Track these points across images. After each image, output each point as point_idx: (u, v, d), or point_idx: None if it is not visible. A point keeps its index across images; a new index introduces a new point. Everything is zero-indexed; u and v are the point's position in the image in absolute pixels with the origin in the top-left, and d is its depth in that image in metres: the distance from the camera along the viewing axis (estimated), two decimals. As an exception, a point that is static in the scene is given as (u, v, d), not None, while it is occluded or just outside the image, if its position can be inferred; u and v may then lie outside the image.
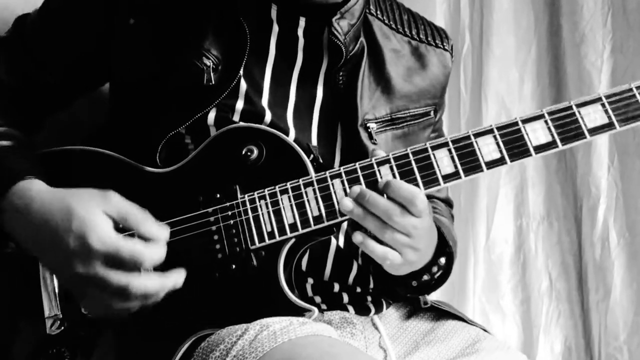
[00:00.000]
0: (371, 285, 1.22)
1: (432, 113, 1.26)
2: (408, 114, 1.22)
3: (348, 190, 1.02)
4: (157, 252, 0.95)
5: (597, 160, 2.04)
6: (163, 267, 0.97)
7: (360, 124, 1.15)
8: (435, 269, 1.13)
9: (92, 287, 0.94)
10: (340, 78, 1.16)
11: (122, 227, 0.95)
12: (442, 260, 1.14)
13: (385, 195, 0.99)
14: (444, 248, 1.14)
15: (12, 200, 1.00)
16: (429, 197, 1.30)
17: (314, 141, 1.15)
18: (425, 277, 1.13)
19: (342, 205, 0.99)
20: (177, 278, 0.97)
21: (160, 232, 0.97)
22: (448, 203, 1.38)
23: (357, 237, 1.00)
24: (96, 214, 0.94)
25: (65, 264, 0.94)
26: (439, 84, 1.27)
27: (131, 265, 0.93)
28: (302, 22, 1.15)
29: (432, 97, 1.25)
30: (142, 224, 0.96)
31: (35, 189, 1.00)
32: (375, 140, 1.16)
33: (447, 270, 1.15)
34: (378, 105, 1.18)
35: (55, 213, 0.95)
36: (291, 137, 1.12)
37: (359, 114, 1.15)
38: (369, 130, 1.16)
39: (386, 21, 1.24)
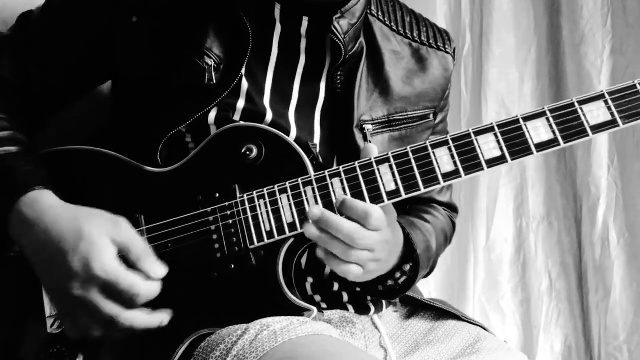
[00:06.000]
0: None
1: (431, 116, 1.25)
2: (406, 117, 1.21)
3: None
4: (152, 289, 0.97)
5: (597, 160, 2.04)
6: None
7: (356, 125, 1.14)
8: (398, 274, 1.13)
9: (82, 310, 0.95)
10: (338, 78, 1.16)
11: (123, 257, 0.96)
12: (407, 267, 1.14)
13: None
14: (412, 254, 1.14)
15: (22, 209, 1.00)
16: (429, 200, 1.30)
17: (316, 140, 1.15)
18: (390, 283, 1.14)
19: (308, 233, 0.99)
20: (162, 319, 0.98)
21: (158, 270, 0.98)
22: (450, 208, 1.36)
23: (320, 253, 1.01)
24: (104, 240, 0.95)
25: (62, 282, 0.94)
26: (440, 87, 1.26)
27: (126, 298, 0.94)
28: (304, 21, 1.14)
29: (431, 100, 1.24)
30: (144, 260, 0.97)
31: (46, 201, 1.00)
32: (371, 141, 1.15)
33: (412, 277, 1.15)
34: (375, 106, 1.17)
35: (65, 231, 0.96)
36: (293, 136, 1.11)
37: (355, 115, 1.14)
38: (365, 131, 1.15)
39: (387, 22, 1.23)
